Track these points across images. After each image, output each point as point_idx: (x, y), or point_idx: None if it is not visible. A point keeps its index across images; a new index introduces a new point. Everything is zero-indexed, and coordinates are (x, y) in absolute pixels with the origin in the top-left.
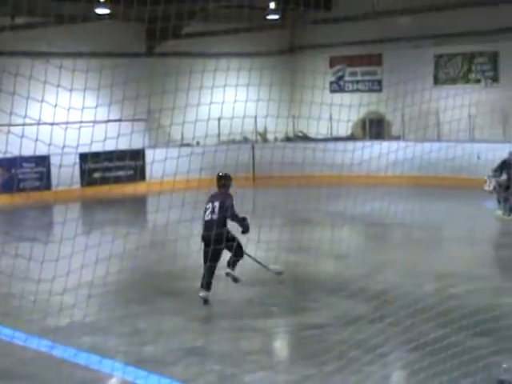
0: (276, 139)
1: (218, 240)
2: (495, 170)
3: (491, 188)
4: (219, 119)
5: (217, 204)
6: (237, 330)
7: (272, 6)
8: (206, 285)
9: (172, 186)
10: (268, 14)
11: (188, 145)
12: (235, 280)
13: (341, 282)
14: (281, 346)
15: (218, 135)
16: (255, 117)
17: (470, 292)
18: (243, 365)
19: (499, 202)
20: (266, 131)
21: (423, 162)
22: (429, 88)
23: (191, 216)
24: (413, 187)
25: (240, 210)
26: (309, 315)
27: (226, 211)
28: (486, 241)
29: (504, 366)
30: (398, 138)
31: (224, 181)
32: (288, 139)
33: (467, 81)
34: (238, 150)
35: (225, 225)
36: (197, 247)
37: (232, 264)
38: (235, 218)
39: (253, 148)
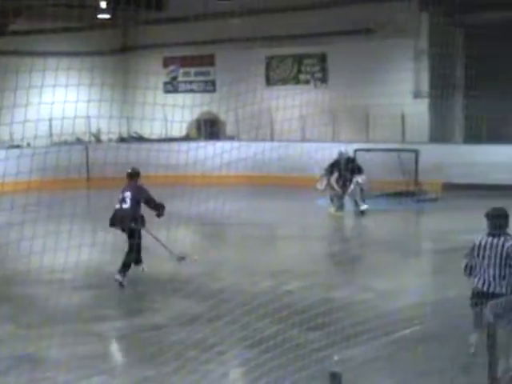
0: (110, 140)
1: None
2: (326, 169)
3: (323, 187)
4: (50, 120)
5: (127, 194)
6: (71, 335)
7: (103, 5)
8: (136, 261)
9: (0, 188)
10: (99, 13)
11: (18, 146)
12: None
13: (179, 282)
14: (117, 350)
15: (50, 136)
16: (88, 117)
17: (304, 288)
18: (78, 370)
19: (331, 199)
20: (99, 132)
21: (257, 161)
22: (261, 88)
23: (21, 219)
24: (247, 186)
25: (74, 212)
26: (146, 316)
27: (136, 201)
28: (318, 237)
29: (335, 358)
30: (232, 138)
31: (131, 173)
32: (122, 140)
33: (298, 82)
34: (71, 151)
35: (135, 215)
36: (27, 252)
37: (121, 270)
38: (151, 202)
39: (86, 149)
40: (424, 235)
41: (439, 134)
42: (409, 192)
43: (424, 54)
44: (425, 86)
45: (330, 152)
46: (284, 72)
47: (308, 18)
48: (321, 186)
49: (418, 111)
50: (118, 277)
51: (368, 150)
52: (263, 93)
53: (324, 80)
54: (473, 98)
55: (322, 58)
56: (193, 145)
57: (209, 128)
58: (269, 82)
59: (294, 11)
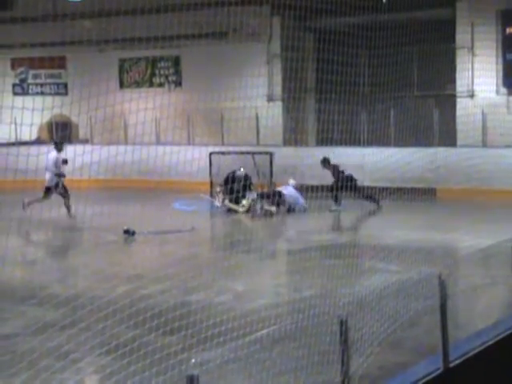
0: None
1: None
2: (221, 185)
3: (221, 203)
4: None
5: None
6: None
7: None
8: None
9: None
10: None
11: None
12: None
13: (31, 290)
14: None
15: None
16: None
17: (161, 292)
18: None
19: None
20: None
21: (111, 164)
22: (114, 91)
23: None
24: (101, 190)
25: None
26: None
27: None
28: (175, 240)
29: (192, 361)
30: (85, 142)
31: None
32: None
33: (152, 84)
34: None
35: None
36: None
37: None
38: None
39: None
40: (279, 236)
41: (293, 136)
42: (264, 194)
43: (277, 58)
44: (278, 90)
45: (184, 155)
46: (138, 75)
47: (161, 21)
48: (218, 202)
49: (272, 114)
50: None
51: (223, 154)
52: (116, 96)
53: (178, 83)
54: (324, 101)
55: (176, 61)
56: (44, 149)
57: (61, 131)
58: (122, 84)
59: (147, 13)
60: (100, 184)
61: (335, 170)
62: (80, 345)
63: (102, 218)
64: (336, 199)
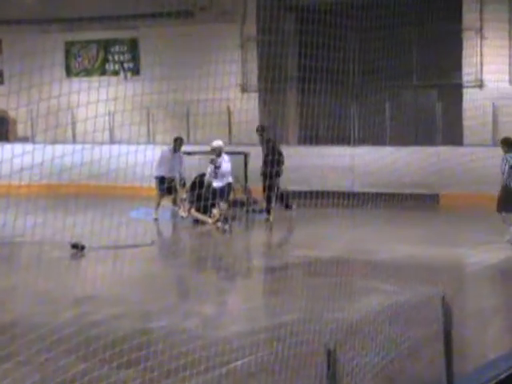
0: None
1: None
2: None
3: (187, 212)
4: None
5: None
6: None
7: None
8: None
9: None
10: None
11: None
12: None
13: None
14: None
15: None
16: None
17: (115, 317)
18: None
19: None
20: None
21: (56, 167)
22: (60, 80)
23: None
24: (44, 197)
25: None
26: None
27: None
28: (133, 256)
29: None
30: (25, 140)
31: None
32: None
33: (104, 72)
34: None
35: None
36: None
37: None
38: None
39: None
40: (254, 251)
41: (271, 133)
42: (237, 201)
43: (252, 42)
44: (253, 79)
45: (144, 155)
46: (87, 61)
47: None
48: (184, 211)
49: (247, 108)
50: None
51: (189, 154)
52: (63, 85)
53: (136, 71)
54: (307, 92)
55: (133, 45)
56: None
57: None
58: (69, 72)
59: None
60: (43, 190)
61: (269, 147)
62: (18, 381)
63: (46, 230)
64: (269, 200)
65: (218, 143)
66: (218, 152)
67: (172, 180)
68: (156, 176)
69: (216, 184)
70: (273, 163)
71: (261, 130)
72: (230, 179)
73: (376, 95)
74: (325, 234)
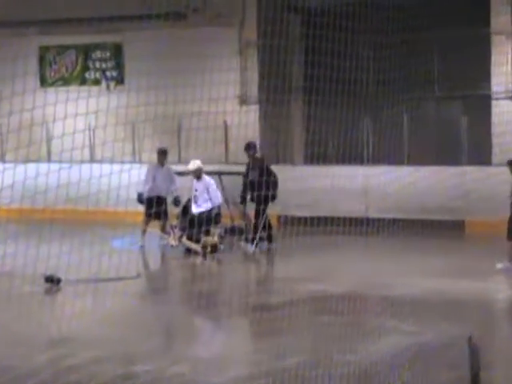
0: None
1: None
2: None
3: (177, 240)
4: None
5: None
6: None
7: None
8: None
9: None
10: None
11: None
12: None
13: None
14: None
15: None
16: None
17: (95, 361)
18: None
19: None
20: None
21: (29, 189)
22: (33, 90)
23: None
24: (17, 223)
25: None
26: None
27: None
28: (116, 291)
29: None
30: None
31: None
32: None
33: (84, 82)
34: None
35: None
36: None
37: None
38: None
39: None
40: (253, 285)
41: (274, 151)
42: (235, 228)
43: (252, 47)
44: (254, 89)
45: (128, 176)
46: (65, 68)
47: None
48: (174, 240)
49: (246, 122)
50: None
51: (180, 174)
52: (37, 96)
53: (120, 80)
54: (315, 105)
55: (117, 51)
56: None
57: None
58: (44, 81)
59: None
60: (14, 215)
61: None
62: None
63: (16, 261)
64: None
65: (196, 164)
66: (197, 174)
67: (161, 202)
68: (146, 196)
69: (195, 210)
70: (261, 185)
71: (248, 148)
72: (213, 204)
73: (392, 108)
74: (334, 265)
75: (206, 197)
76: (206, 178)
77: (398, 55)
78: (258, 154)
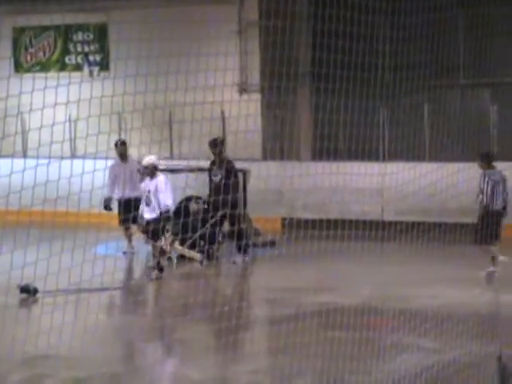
0: None
1: None
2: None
3: (170, 246)
4: None
5: None
6: None
7: None
8: None
9: None
10: None
11: None
12: None
13: None
14: None
15: None
16: None
17: (76, 382)
18: None
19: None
20: None
21: (1, 188)
22: (7, 77)
23: None
24: None
25: None
26: None
27: None
28: (100, 302)
29: None
30: None
31: None
32: None
33: (64, 67)
34: None
35: None
36: None
37: None
38: None
39: None
40: (256, 296)
41: (278, 146)
42: (234, 233)
43: (253, 28)
44: (255, 75)
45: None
46: (43, 52)
47: None
48: (166, 246)
49: (247, 112)
50: None
51: (172, 171)
52: (10, 84)
53: (104, 65)
54: (324, 93)
55: (101, 32)
56: None
57: None
58: (19, 67)
59: None
60: None
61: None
62: None
63: None
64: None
65: (150, 160)
66: (149, 171)
67: (137, 204)
68: (116, 199)
69: (147, 215)
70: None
71: (214, 145)
72: (167, 207)
73: (412, 97)
74: (345, 274)
75: (160, 198)
76: (161, 176)
77: (418, 37)
78: (226, 154)
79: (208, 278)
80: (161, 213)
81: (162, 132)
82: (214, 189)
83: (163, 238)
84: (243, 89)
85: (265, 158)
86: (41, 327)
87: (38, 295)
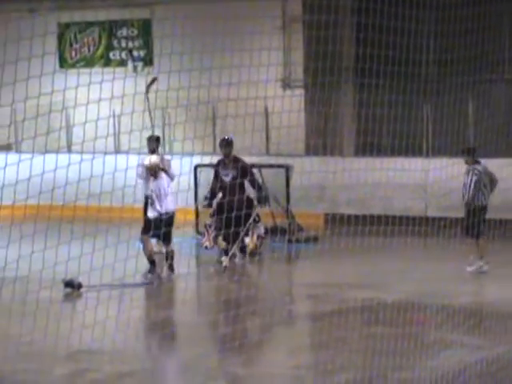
0: None
1: None
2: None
3: (212, 241)
4: None
5: None
6: None
7: None
8: None
9: None
10: None
11: None
12: None
13: None
14: None
15: None
16: None
17: (119, 377)
18: None
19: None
20: None
21: (47, 183)
22: (51, 73)
23: None
24: (32, 222)
25: None
26: None
27: None
28: (144, 297)
29: None
30: (7, 148)
31: None
32: None
33: (108, 63)
34: None
35: None
36: None
37: None
38: None
39: None
40: (297, 292)
41: (320, 141)
42: (277, 228)
43: (297, 23)
44: (299, 71)
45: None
46: (87, 48)
47: None
48: (208, 241)
49: (290, 108)
50: None
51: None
52: (55, 79)
53: (148, 61)
54: (368, 88)
55: (145, 28)
56: None
57: None
58: (64, 62)
59: None
60: (30, 212)
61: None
62: None
63: (32, 264)
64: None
65: (153, 160)
66: (154, 171)
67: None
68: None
69: (150, 214)
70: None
71: (226, 144)
72: (172, 207)
73: (456, 93)
74: (388, 270)
75: (163, 197)
76: (163, 175)
77: (463, 32)
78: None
79: (250, 273)
80: (161, 214)
81: (205, 127)
82: (227, 188)
83: (206, 234)
84: (287, 84)
85: (308, 153)
86: (85, 322)
87: (82, 290)
